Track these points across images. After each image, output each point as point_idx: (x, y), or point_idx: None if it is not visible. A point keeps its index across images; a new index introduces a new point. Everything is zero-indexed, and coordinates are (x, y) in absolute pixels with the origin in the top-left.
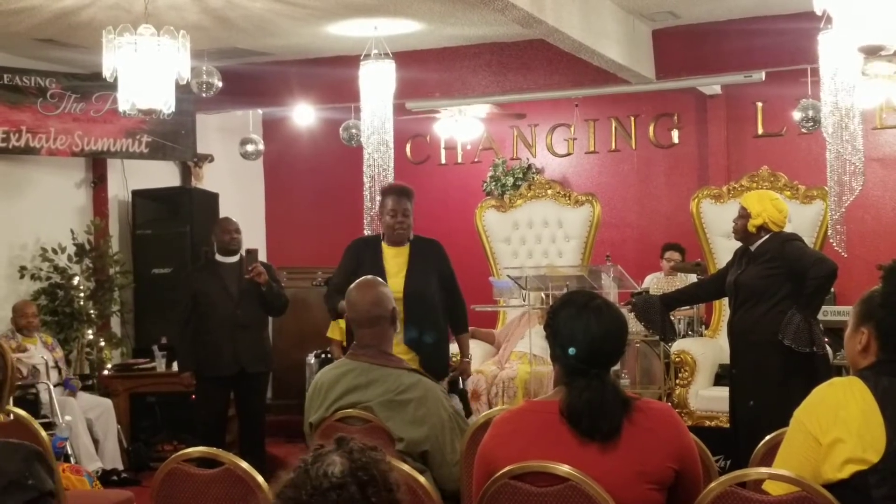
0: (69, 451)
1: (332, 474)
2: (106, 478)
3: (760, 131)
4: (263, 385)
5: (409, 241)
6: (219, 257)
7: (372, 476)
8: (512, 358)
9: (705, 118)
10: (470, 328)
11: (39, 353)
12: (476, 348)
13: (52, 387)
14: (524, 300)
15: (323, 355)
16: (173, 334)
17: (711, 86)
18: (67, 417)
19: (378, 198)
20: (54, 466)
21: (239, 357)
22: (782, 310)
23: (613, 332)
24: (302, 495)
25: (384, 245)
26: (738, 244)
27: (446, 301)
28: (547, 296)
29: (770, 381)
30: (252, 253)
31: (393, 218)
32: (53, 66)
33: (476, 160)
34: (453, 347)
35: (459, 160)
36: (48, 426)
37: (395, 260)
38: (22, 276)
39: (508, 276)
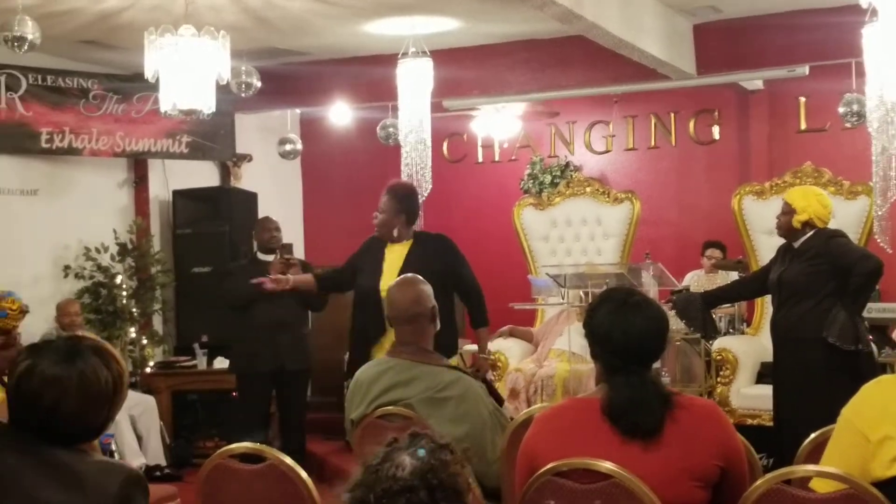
0: (113, 448)
1: (401, 477)
2: (149, 474)
3: (803, 126)
4: (304, 383)
5: (411, 238)
6: (260, 255)
7: (441, 480)
8: (550, 356)
9: (747, 114)
10: (508, 326)
11: None
12: (514, 346)
13: None
14: (563, 298)
15: None
16: (226, 303)
17: (753, 81)
18: None
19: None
20: (148, 491)
21: (279, 354)
22: (827, 307)
23: (653, 328)
24: (370, 497)
25: (388, 243)
26: (781, 241)
27: (463, 297)
28: (586, 294)
29: (814, 379)
30: (287, 247)
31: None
32: (95, 67)
33: (513, 158)
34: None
35: (497, 158)
36: None
37: (393, 257)
38: (66, 275)
39: (547, 274)
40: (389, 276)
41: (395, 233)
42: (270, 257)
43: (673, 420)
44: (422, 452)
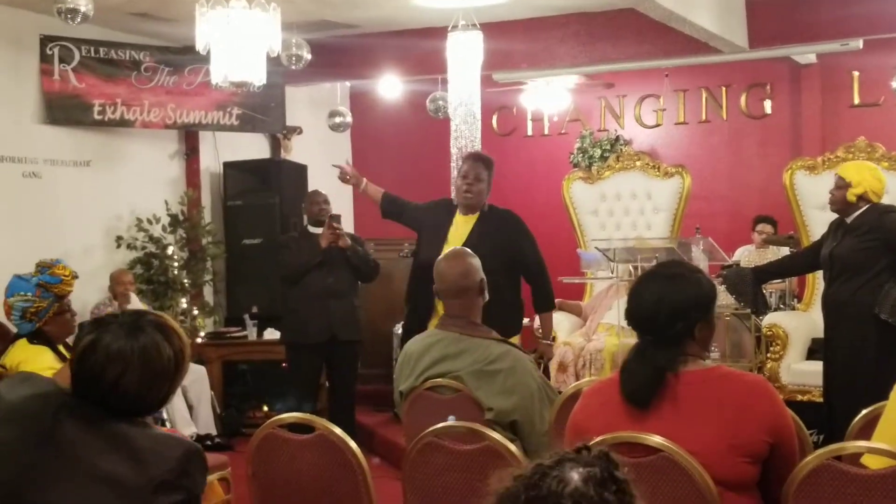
0: (165, 416)
1: (559, 493)
2: (200, 443)
3: (857, 101)
4: (355, 354)
5: (479, 211)
6: (310, 228)
7: None
8: (599, 330)
9: (799, 88)
10: (557, 300)
11: None
12: (563, 320)
13: None
14: (612, 272)
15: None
16: (286, 274)
17: (806, 55)
18: None
19: None
20: (206, 466)
21: (331, 324)
22: (879, 283)
23: (669, 301)
24: (521, 497)
25: (458, 212)
26: (833, 217)
27: (526, 277)
28: (635, 268)
29: (866, 356)
30: (335, 217)
31: (463, 180)
32: (147, 39)
33: (563, 132)
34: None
35: (546, 132)
36: None
37: (460, 229)
38: (118, 246)
39: (597, 248)
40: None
41: (486, 206)
42: (320, 230)
43: (715, 396)
44: (590, 478)
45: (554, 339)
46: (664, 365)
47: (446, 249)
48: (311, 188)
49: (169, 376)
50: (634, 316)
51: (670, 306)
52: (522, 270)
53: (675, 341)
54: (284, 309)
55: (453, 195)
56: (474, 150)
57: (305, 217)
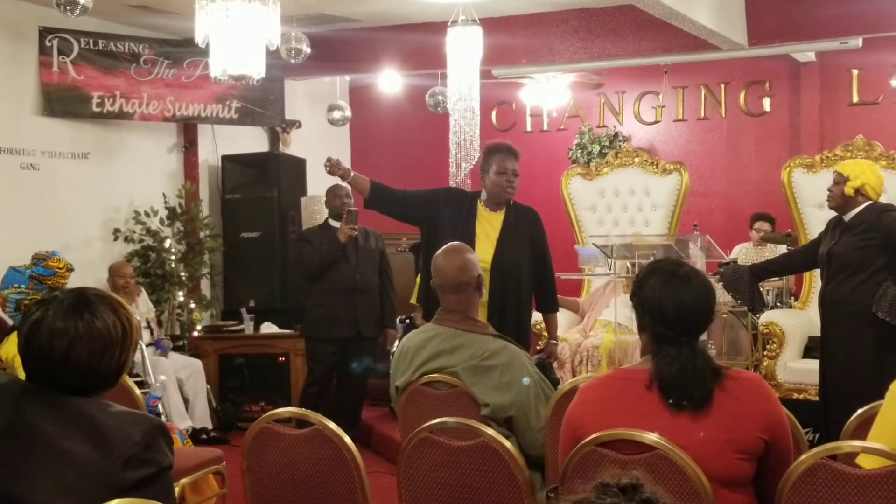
0: (160, 410)
1: None
2: (195, 436)
3: (855, 99)
4: (372, 349)
5: (506, 207)
6: (331, 221)
7: None
8: (596, 326)
9: (798, 86)
10: None
11: (135, 314)
12: (560, 317)
13: (144, 346)
14: (609, 269)
15: (407, 321)
16: (308, 271)
17: (805, 53)
18: (162, 377)
19: (464, 164)
20: (172, 440)
21: (357, 320)
22: (877, 282)
23: (702, 299)
24: None
25: (480, 206)
26: (831, 215)
27: (537, 275)
28: (633, 265)
29: (863, 354)
30: (351, 213)
31: (501, 176)
32: (146, 32)
33: (562, 127)
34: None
35: (545, 127)
36: (140, 385)
37: (489, 224)
38: (116, 239)
39: (594, 244)
40: (486, 244)
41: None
42: (339, 224)
43: (720, 392)
44: None
45: (558, 338)
46: (717, 365)
47: (478, 245)
48: (309, 182)
49: (117, 343)
50: (676, 319)
51: (708, 305)
52: (540, 268)
53: (699, 340)
54: (307, 303)
55: (489, 188)
56: (478, 148)
57: (327, 210)
